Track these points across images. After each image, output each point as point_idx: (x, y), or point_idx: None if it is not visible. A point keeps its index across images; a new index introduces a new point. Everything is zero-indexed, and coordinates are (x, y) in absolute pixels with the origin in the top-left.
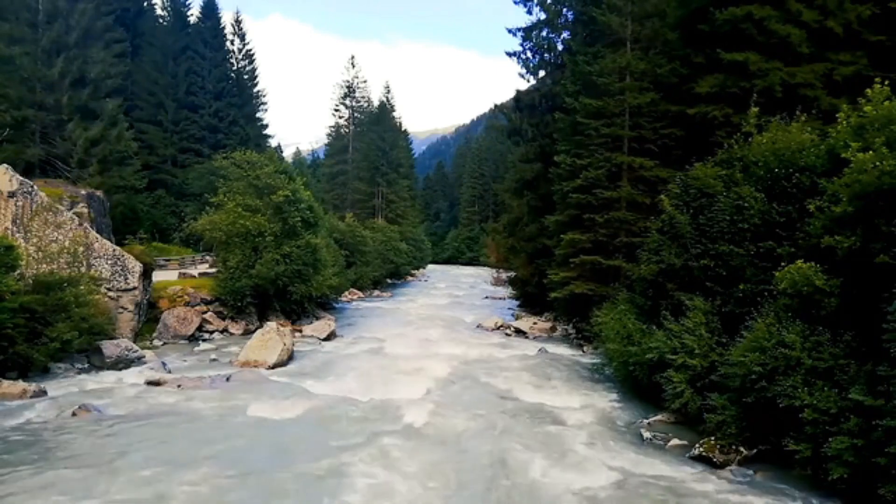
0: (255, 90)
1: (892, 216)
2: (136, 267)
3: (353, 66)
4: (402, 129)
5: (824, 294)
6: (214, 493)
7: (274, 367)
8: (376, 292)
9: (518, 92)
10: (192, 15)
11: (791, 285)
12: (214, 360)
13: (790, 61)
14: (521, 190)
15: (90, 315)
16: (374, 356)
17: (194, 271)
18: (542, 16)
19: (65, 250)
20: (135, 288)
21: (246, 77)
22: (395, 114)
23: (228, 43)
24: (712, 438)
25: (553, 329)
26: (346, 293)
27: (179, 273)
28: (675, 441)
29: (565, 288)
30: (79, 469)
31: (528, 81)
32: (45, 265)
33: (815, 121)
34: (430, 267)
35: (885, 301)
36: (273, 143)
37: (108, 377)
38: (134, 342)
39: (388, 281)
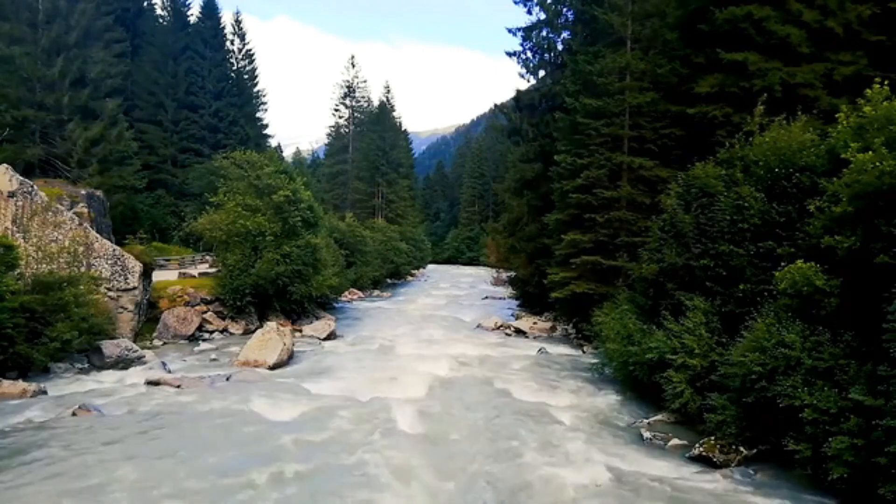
0: (256, 90)
1: (892, 216)
2: (136, 267)
3: (353, 66)
4: (403, 128)
5: (824, 294)
6: (214, 492)
7: (274, 367)
8: (376, 292)
9: (518, 92)
10: (192, 15)
11: (791, 285)
12: (214, 359)
13: (790, 61)
14: (521, 190)
15: (90, 315)
16: (374, 356)
17: (194, 271)
18: (542, 16)
19: (65, 250)
20: (135, 288)
21: (246, 77)
22: (395, 114)
23: (228, 43)
24: (712, 438)
25: (553, 329)
26: (346, 293)
27: (179, 273)
28: (674, 441)
29: (566, 288)
30: (78, 469)
31: (528, 81)
32: (44, 265)
33: (815, 121)
34: (430, 267)
35: (885, 301)
36: (273, 143)
37: (108, 377)
38: (134, 342)
39: (388, 281)
